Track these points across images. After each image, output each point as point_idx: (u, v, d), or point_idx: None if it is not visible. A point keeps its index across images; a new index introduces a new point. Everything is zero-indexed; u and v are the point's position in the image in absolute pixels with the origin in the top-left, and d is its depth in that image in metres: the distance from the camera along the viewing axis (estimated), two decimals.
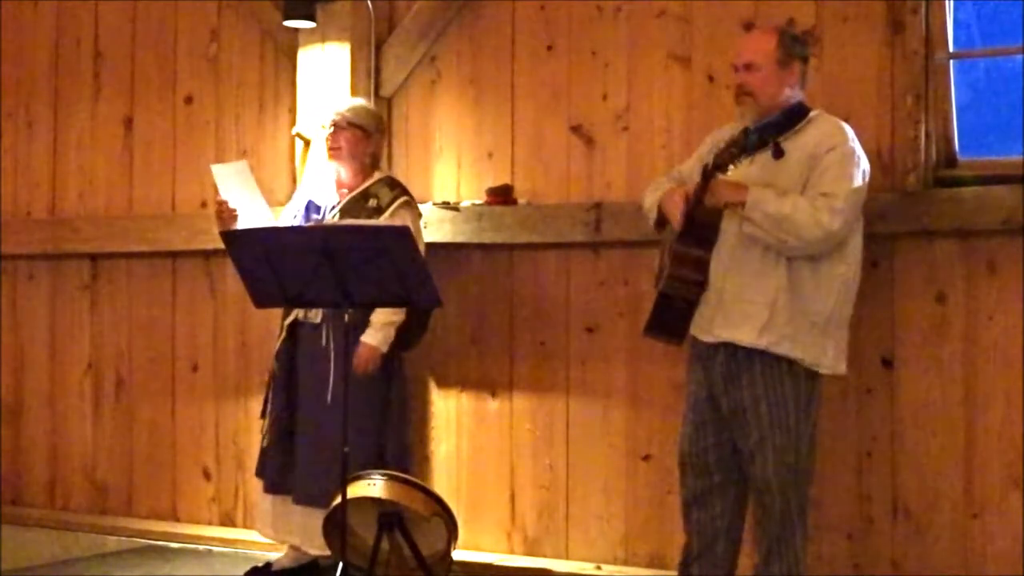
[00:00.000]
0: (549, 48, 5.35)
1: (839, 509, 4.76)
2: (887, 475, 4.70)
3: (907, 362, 4.68)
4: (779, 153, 4.08)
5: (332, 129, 5.09)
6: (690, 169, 4.46)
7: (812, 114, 4.25)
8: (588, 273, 5.24)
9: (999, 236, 4.52)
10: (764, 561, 4.23)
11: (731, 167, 4.05)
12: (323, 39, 5.56)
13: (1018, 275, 4.51)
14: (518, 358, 5.39)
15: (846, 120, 4.70)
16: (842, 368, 4.26)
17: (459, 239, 5.37)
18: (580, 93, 5.29)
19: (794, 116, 4.20)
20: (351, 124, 5.07)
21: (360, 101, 5.26)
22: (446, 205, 5.43)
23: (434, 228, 5.35)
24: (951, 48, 4.68)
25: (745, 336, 4.13)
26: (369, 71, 5.58)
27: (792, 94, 4.24)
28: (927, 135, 4.63)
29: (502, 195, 5.36)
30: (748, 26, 4.91)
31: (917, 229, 4.61)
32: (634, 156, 5.16)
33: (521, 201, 5.35)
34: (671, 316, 4.27)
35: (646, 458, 5.11)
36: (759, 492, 4.21)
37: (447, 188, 5.56)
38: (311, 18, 5.49)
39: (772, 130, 4.15)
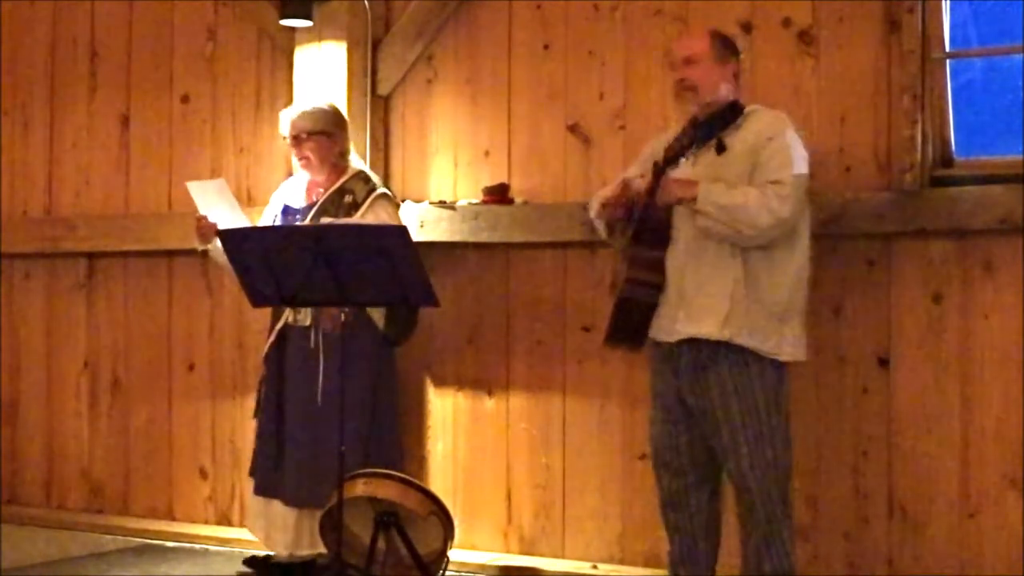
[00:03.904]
0: (546, 47, 5.35)
1: (835, 508, 4.77)
2: (883, 474, 4.70)
3: (903, 361, 4.68)
4: (721, 148, 4.14)
5: (293, 142, 5.07)
6: (634, 177, 4.49)
7: (748, 109, 4.30)
8: (585, 272, 5.24)
9: (995, 235, 4.52)
10: (754, 557, 4.22)
11: (682, 159, 4.08)
12: (320, 38, 5.56)
13: (1015, 274, 4.51)
14: (515, 357, 5.39)
15: (842, 120, 4.74)
16: (802, 355, 4.29)
17: (455, 238, 5.37)
18: (577, 92, 5.29)
19: (732, 113, 4.26)
20: (312, 133, 5.04)
21: (314, 105, 5.16)
22: (442, 204, 5.43)
23: (430, 227, 5.35)
24: (947, 47, 4.69)
25: (708, 329, 4.15)
26: (366, 70, 5.57)
27: (728, 92, 4.29)
28: (923, 134, 4.63)
29: (498, 194, 5.35)
30: (746, 26, 4.92)
31: (913, 229, 4.61)
32: (631, 155, 5.13)
33: (518, 200, 5.35)
34: (630, 322, 4.29)
35: (643, 457, 5.10)
36: (738, 490, 4.22)
37: (443, 187, 5.56)
38: (308, 17, 5.50)
39: (712, 127, 4.19)
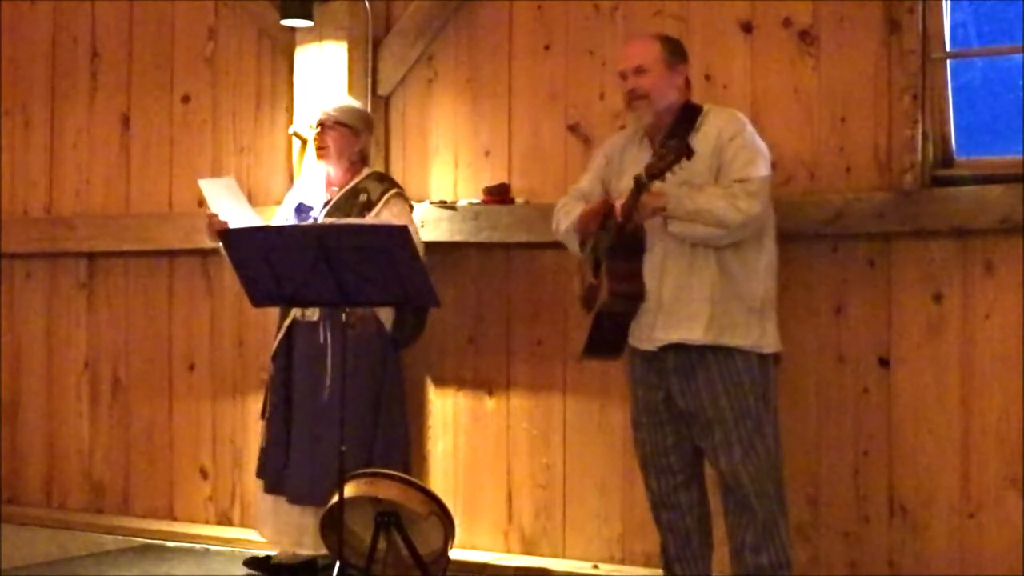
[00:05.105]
0: (546, 47, 5.35)
1: (836, 508, 4.77)
2: (884, 474, 4.70)
3: (904, 361, 4.68)
4: (690, 153, 4.11)
5: (319, 128, 5.10)
6: (589, 186, 4.53)
7: (705, 108, 4.32)
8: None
9: (996, 235, 4.52)
10: (752, 552, 4.22)
11: (668, 174, 4.02)
12: (320, 38, 5.56)
13: (1015, 274, 4.51)
14: (515, 357, 5.39)
15: (842, 120, 4.73)
16: (780, 346, 4.32)
17: (456, 238, 5.37)
18: (577, 92, 5.29)
19: (690, 114, 4.28)
20: (338, 123, 5.08)
21: (348, 100, 5.27)
22: (443, 204, 5.43)
23: (431, 227, 5.35)
24: (948, 47, 4.69)
25: (692, 334, 4.18)
26: (366, 70, 5.57)
27: (679, 95, 4.32)
28: (924, 134, 4.63)
29: (499, 194, 5.35)
30: (746, 26, 4.92)
31: (914, 229, 4.61)
32: None
33: (518, 200, 5.35)
34: (610, 333, 4.32)
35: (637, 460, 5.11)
36: (729, 488, 4.23)
37: (444, 187, 5.56)
38: (308, 17, 5.50)
39: (677, 132, 4.19)
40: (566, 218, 4.47)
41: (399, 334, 5.09)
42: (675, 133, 4.17)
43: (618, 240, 4.19)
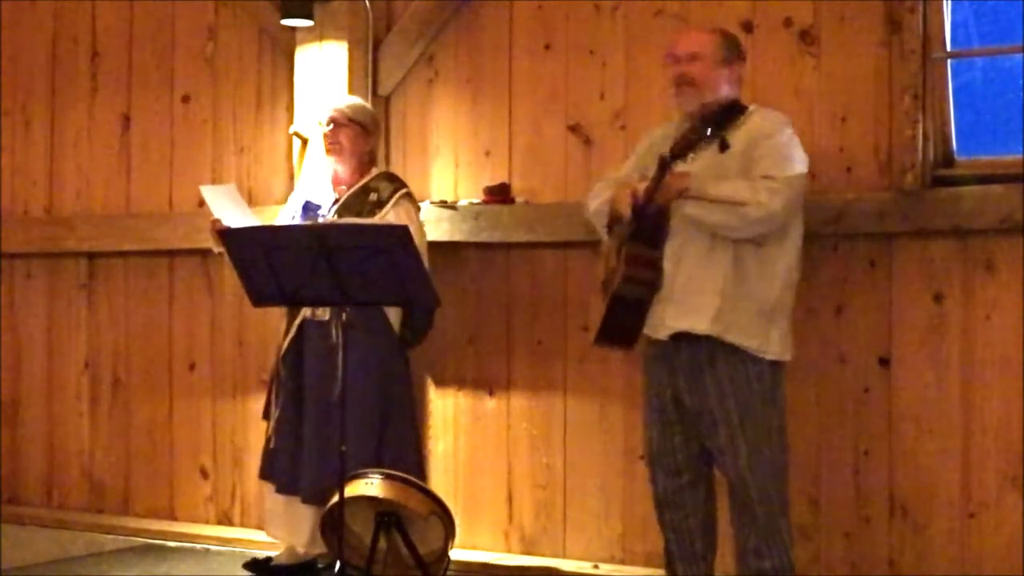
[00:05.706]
0: (547, 47, 5.36)
1: (836, 508, 4.77)
2: (884, 474, 4.70)
3: (904, 361, 4.68)
4: (725, 146, 4.11)
5: (331, 125, 5.09)
6: (626, 172, 4.50)
7: (750, 108, 4.30)
8: (585, 272, 5.24)
9: (997, 235, 4.52)
10: (754, 555, 4.22)
11: (690, 155, 4.04)
12: (321, 38, 5.56)
13: (1016, 274, 4.51)
14: (515, 357, 5.39)
15: (843, 120, 4.73)
16: (788, 355, 4.28)
17: (456, 238, 5.37)
18: (578, 92, 5.29)
19: (733, 111, 4.25)
20: (351, 120, 5.09)
21: (358, 99, 5.27)
22: (443, 204, 5.43)
23: (431, 227, 5.35)
24: (948, 47, 4.69)
25: (698, 324, 4.15)
26: (367, 70, 5.58)
27: (729, 92, 4.29)
28: (925, 134, 4.63)
29: (500, 194, 5.36)
30: (747, 25, 4.92)
31: (915, 228, 4.61)
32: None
33: (519, 200, 5.35)
34: (624, 320, 4.28)
35: (643, 457, 5.10)
36: (734, 489, 4.22)
37: (444, 187, 5.56)
38: (309, 17, 5.50)
39: (713, 125, 4.17)
40: (595, 200, 4.45)
41: (407, 334, 5.08)
42: (715, 123, 4.14)
43: (640, 225, 4.18)
